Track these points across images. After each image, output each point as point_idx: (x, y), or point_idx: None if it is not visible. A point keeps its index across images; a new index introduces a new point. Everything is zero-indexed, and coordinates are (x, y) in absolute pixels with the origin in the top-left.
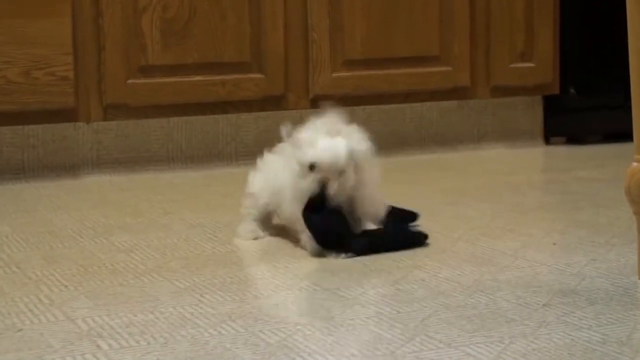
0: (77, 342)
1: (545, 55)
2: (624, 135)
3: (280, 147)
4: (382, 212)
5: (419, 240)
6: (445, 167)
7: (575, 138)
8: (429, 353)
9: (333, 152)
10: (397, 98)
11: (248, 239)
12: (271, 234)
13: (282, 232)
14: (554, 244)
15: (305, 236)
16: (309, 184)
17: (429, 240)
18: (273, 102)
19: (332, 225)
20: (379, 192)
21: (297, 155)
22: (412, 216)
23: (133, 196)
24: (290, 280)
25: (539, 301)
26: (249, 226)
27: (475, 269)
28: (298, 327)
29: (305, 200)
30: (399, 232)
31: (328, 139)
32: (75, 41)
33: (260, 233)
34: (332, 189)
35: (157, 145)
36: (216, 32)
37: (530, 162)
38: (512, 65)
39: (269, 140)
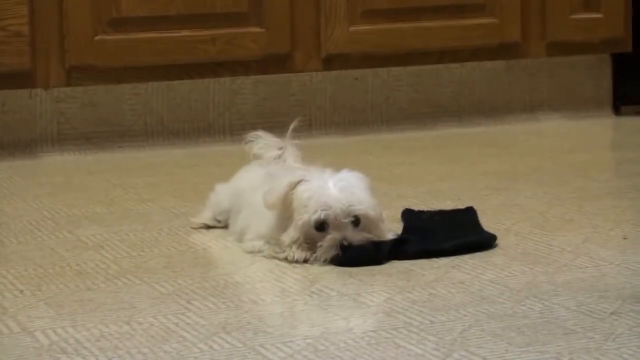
0: None
1: (614, 3)
2: None
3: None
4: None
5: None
6: (491, 143)
7: None
8: None
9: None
10: (431, 57)
11: (199, 225)
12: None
13: None
14: (624, 238)
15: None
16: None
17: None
18: (276, 63)
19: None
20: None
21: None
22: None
23: (103, 180)
24: (298, 283)
25: (605, 309)
26: (205, 214)
27: (527, 269)
28: (308, 341)
29: None
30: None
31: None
32: None
33: (216, 222)
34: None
35: (133, 117)
36: None
37: (596, 136)
38: (573, 16)
39: (271, 111)
